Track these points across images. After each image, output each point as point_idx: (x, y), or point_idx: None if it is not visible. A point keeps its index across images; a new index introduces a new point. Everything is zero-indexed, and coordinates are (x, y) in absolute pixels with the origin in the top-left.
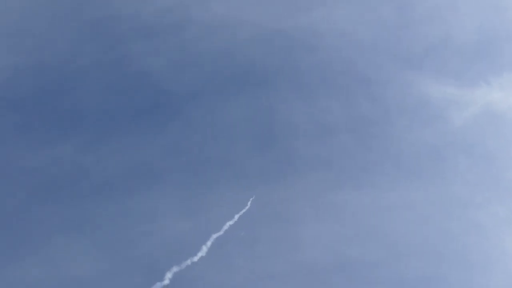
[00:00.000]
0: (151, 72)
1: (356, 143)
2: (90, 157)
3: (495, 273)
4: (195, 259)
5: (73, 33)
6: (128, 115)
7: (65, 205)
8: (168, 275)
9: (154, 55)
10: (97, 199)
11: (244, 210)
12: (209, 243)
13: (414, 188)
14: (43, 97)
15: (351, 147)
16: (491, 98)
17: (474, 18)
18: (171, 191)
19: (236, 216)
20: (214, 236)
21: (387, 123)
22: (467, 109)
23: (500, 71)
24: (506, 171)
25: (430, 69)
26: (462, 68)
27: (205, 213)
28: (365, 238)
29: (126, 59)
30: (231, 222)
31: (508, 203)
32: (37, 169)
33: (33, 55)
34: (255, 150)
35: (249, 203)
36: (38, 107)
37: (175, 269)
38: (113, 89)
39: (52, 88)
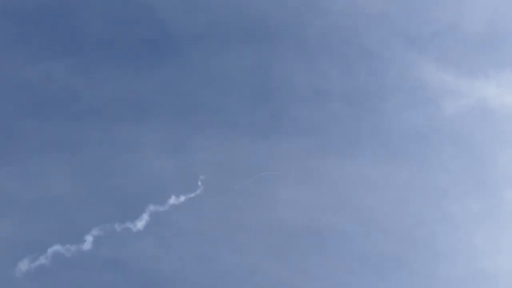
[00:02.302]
0: (157, 7)
1: (348, 114)
2: (82, 80)
3: (459, 265)
4: (172, 202)
5: None
6: (126, 46)
7: (50, 124)
8: (145, 216)
9: None
10: (83, 123)
11: (196, 193)
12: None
13: (396, 168)
14: (44, 13)
15: (342, 117)
16: (487, 93)
17: (486, 9)
18: (158, 128)
19: (183, 198)
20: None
21: (381, 99)
22: (461, 100)
23: (501, 67)
24: (487, 167)
25: (433, 54)
26: (464, 58)
27: (188, 155)
28: (339, 208)
29: None
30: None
31: (482, 199)
32: (26, 84)
33: None
34: (247, 103)
35: (199, 182)
36: (37, 22)
37: (151, 208)
38: (116, 17)
39: (55, 6)
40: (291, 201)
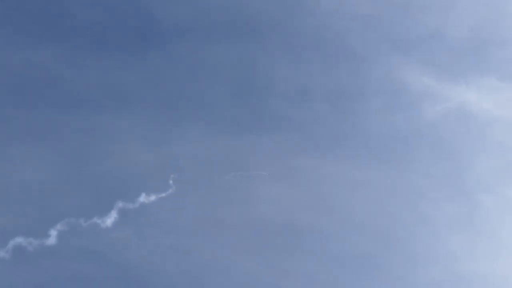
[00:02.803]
0: None
1: (330, 114)
2: (64, 68)
3: (436, 268)
4: (142, 200)
5: None
6: (112, 35)
7: (32, 110)
8: (113, 213)
9: None
10: (65, 111)
11: (168, 192)
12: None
13: (375, 170)
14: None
15: (324, 117)
16: (467, 98)
17: (470, 16)
18: (139, 120)
19: (153, 197)
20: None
21: (363, 100)
22: (442, 104)
23: (481, 74)
24: (465, 172)
25: (416, 58)
26: (446, 63)
27: (168, 148)
28: (318, 207)
29: None
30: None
31: (459, 203)
32: (9, 70)
33: None
34: (230, 98)
35: (170, 181)
36: (21, 8)
37: (120, 205)
38: (102, 5)
39: None
40: (270, 198)
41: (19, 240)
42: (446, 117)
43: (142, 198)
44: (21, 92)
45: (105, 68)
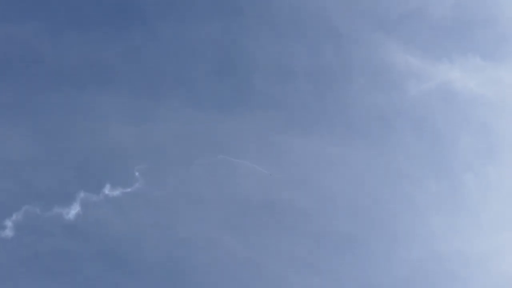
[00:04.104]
0: None
1: (312, 92)
2: (47, 43)
3: (416, 246)
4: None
5: None
6: (94, 11)
7: (12, 86)
8: (76, 206)
9: None
10: (46, 87)
11: (135, 186)
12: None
13: (357, 148)
14: None
15: (306, 95)
16: (450, 77)
17: None
18: (120, 96)
19: (118, 191)
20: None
21: (346, 79)
22: (425, 83)
23: (464, 52)
24: (447, 150)
25: (399, 37)
26: (429, 42)
27: (149, 125)
28: (299, 185)
29: None
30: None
31: (441, 182)
32: None
33: None
34: (212, 76)
35: (136, 173)
36: None
37: (82, 195)
38: None
39: None
40: (248, 175)
41: None
42: (429, 96)
43: (107, 190)
44: (2, 69)
45: (87, 45)
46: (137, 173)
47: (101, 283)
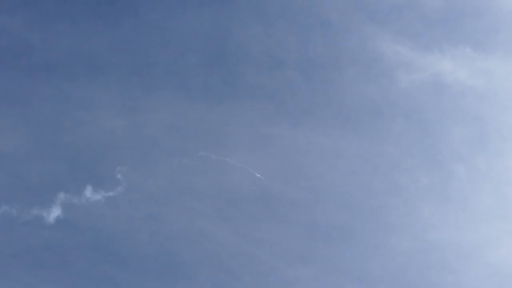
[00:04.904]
0: None
1: (303, 83)
2: (37, 34)
3: (407, 237)
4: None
5: None
6: (84, 2)
7: (2, 78)
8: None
9: None
10: (36, 78)
11: (117, 190)
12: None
13: (347, 139)
14: None
15: (296, 86)
16: (441, 67)
17: None
18: (110, 87)
19: (100, 195)
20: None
21: (336, 69)
22: (416, 74)
23: (456, 43)
24: (438, 141)
25: (391, 27)
26: (421, 33)
27: (140, 115)
28: (289, 176)
29: None
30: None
31: (432, 172)
32: None
33: None
34: (202, 66)
35: (118, 175)
36: None
37: (62, 196)
38: None
39: None
40: (238, 166)
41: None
42: (420, 87)
43: (88, 192)
44: None
45: (77, 36)
46: (127, 165)
47: (93, 275)
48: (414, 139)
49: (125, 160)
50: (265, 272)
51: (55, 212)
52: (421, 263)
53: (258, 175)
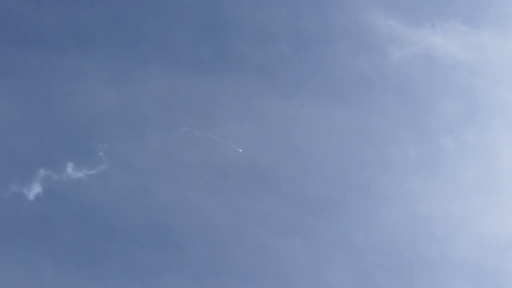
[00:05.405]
0: None
1: (293, 56)
2: (26, 5)
3: (395, 209)
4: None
5: None
6: None
7: None
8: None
9: None
10: (25, 49)
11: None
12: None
13: (337, 112)
14: None
15: (287, 59)
16: (432, 42)
17: None
18: (100, 59)
19: (81, 173)
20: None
21: (327, 42)
22: (407, 48)
23: (447, 17)
24: (428, 115)
25: (381, 1)
26: (411, 7)
27: (129, 88)
28: (278, 149)
29: None
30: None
31: (421, 146)
32: None
33: None
34: (194, 39)
35: (100, 153)
36: None
37: (42, 172)
38: None
39: None
40: (228, 139)
41: None
42: (411, 61)
43: (70, 169)
44: None
45: (67, 7)
46: (116, 138)
47: (82, 246)
48: (404, 112)
49: (113, 133)
50: (254, 244)
51: (36, 189)
52: (409, 234)
53: (240, 150)
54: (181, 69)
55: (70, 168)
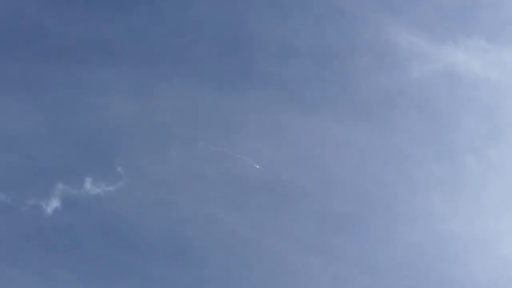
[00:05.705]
0: None
1: (316, 72)
2: (51, 18)
3: (417, 228)
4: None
5: None
6: None
7: (16, 62)
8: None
9: None
10: (50, 63)
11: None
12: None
13: (359, 129)
14: None
15: (309, 74)
16: (454, 59)
17: None
18: (124, 73)
19: (99, 189)
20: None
21: (349, 59)
22: (429, 65)
23: (470, 34)
24: (450, 132)
25: (405, 18)
26: (434, 23)
27: (153, 102)
28: (300, 164)
29: None
30: None
31: (443, 164)
32: None
33: None
34: (216, 54)
35: (119, 169)
36: None
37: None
38: None
39: None
40: (249, 154)
41: None
42: (433, 78)
43: (88, 185)
44: (6, 44)
45: (92, 21)
46: (137, 151)
47: (103, 259)
48: (426, 130)
49: (133, 146)
50: (274, 260)
51: (54, 203)
52: (431, 254)
53: (258, 166)
54: (203, 84)
55: (88, 184)
